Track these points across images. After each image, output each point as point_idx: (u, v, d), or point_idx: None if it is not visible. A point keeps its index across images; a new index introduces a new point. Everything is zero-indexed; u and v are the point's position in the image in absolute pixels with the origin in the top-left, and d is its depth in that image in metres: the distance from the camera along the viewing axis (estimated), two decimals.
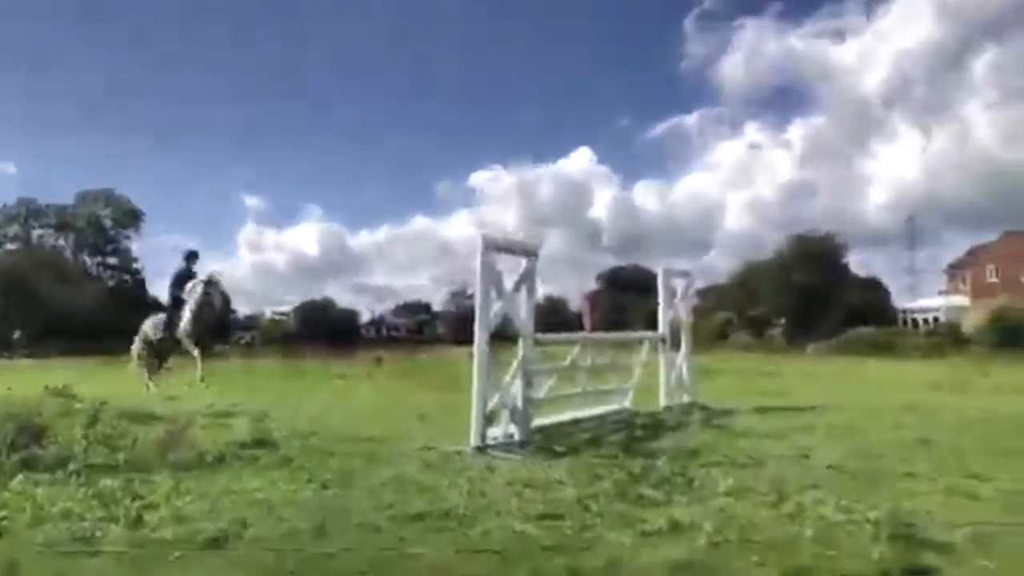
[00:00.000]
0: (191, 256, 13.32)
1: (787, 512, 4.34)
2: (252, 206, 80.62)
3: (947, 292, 60.11)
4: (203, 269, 13.22)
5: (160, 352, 13.40)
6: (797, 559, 3.48)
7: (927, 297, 60.49)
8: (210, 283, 12.59)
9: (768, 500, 4.65)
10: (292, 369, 21.34)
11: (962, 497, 4.74)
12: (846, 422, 8.17)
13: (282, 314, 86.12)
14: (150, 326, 13.62)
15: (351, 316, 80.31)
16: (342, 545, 3.74)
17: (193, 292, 12.49)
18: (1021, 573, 3.28)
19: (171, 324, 12.77)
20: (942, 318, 49.99)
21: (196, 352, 12.40)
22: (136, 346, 13.94)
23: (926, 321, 51.85)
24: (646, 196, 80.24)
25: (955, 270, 61.89)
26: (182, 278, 12.98)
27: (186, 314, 12.54)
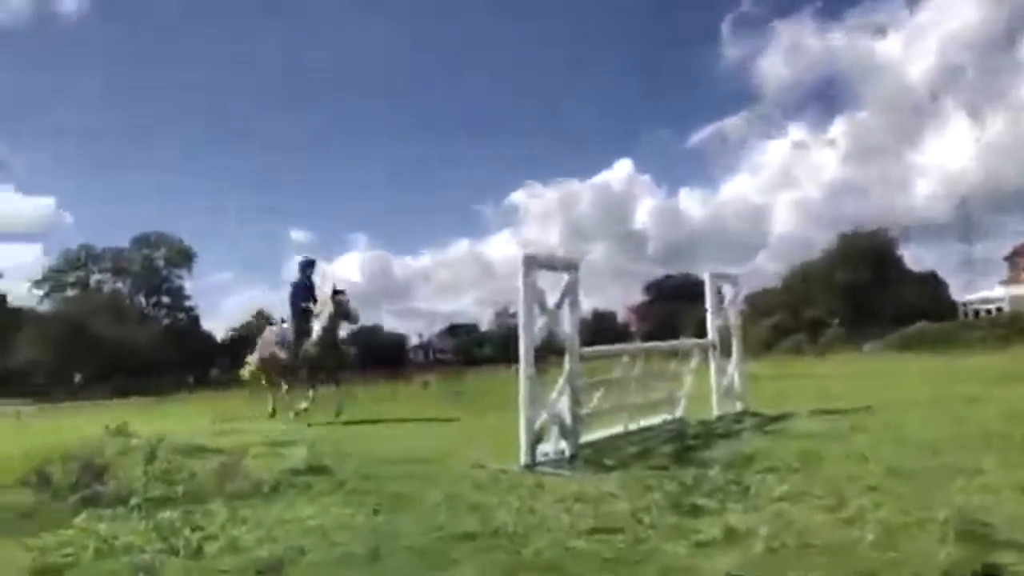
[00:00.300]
0: (308, 265, 12.50)
1: (846, 516, 4.23)
2: (298, 239, 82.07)
3: (1008, 282, 58.24)
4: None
5: (288, 372, 12.34)
6: (858, 563, 3.38)
7: (988, 288, 58.68)
8: (340, 294, 11.69)
9: (826, 504, 4.54)
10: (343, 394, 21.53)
11: None
12: (904, 420, 7.94)
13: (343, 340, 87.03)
14: (274, 341, 12.48)
15: (399, 340, 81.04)
16: (394, 567, 3.76)
17: (324, 307, 11.69)
18: None
19: (299, 341, 11.91)
20: (1005, 308, 48.47)
21: (316, 379, 11.63)
22: (252, 366, 13.04)
23: (988, 312, 50.28)
24: (690, 203, 79.68)
25: (1016, 258, 59.96)
26: (303, 290, 12.19)
27: (315, 331, 11.72)
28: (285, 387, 12.65)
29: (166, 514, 5.10)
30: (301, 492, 5.92)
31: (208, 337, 52.40)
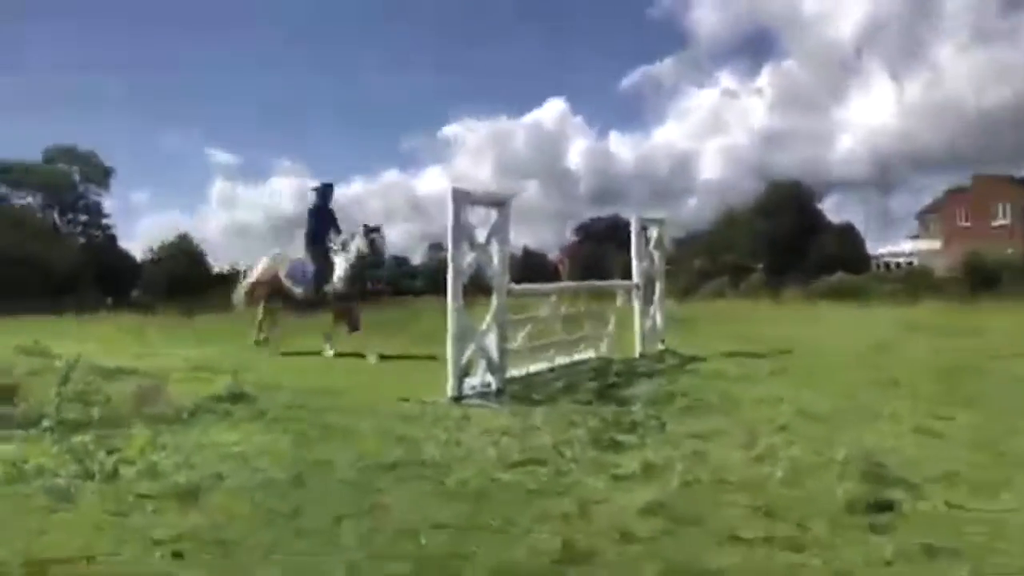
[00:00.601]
0: (326, 190, 11.08)
1: (758, 454, 4.43)
2: (221, 162, 79.05)
3: (920, 237, 60.85)
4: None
5: (298, 307, 11.07)
6: (766, 498, 3.55)
7: (901, 242, 61.18)
8: (375, 231, 10.71)
9: (740, 442, 4.74)
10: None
11: (929, 436, 4.85)
12: (818, 365, 8.30)
13: None
14: (283, 271, 10.91)
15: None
16: (316, 494, 3.77)
17: (353, 241, 10.57)
18: (978, 505, 3.37)
19: (321, 276, 10.56)
20: (915, 263, 50.66)
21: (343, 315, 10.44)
22: (246, 289, 11.47)
23: (899, 266, 52.51)
24: (621, 146, 79.75)
25: (927, 215, 62.55)
26: (322, 217, 10.86)
27: (340, 266, 10.53)
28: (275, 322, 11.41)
29: (81, 437, 4.96)
30: (222, 419, 5.84)
31: (127, 257, 50.40)
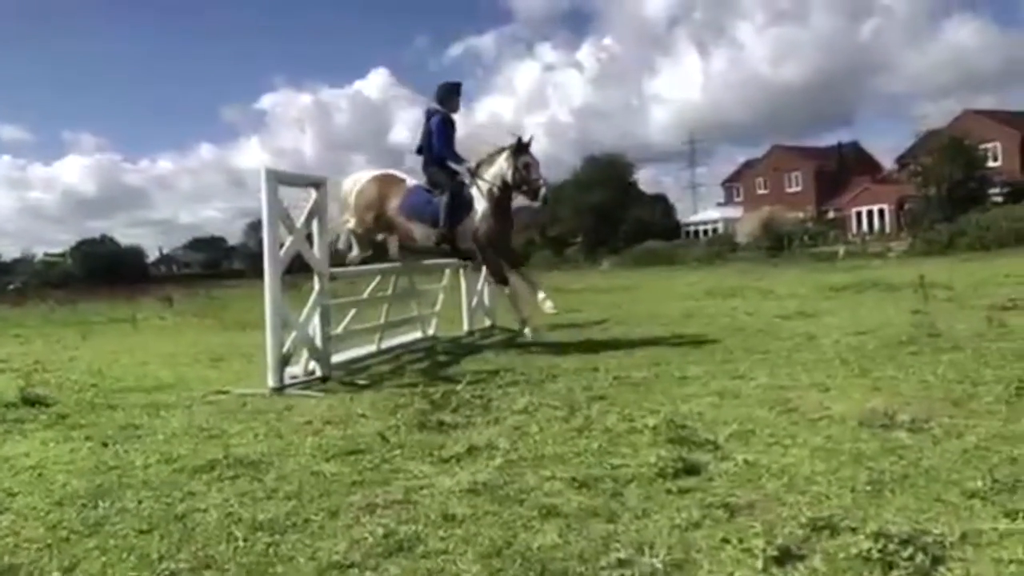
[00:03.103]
0: (453, 91, 8.21)
1: (576, 425, 4.60)
2: (8, 138, 71.20)
3: (724, 205, 65.59)
4: None
5: (420, 255, 8.82)
6: (584, 470, 3.70)
7: (709, 210, 65.61)
8: (525, 151, 7.84)
9: (560, 415, 4.91)
10: (70, 314, 19.59)
11: (729, 397, 5.25)
12: (631, 333, 8.74)
13: (56, 255, 78.56)
14: (388, 194, 8.17)
15: (136, 254, 74.68)
16: (123, 504, 3.52)
17: (491, 164, 7.93)
18: (771, 461, 3.70)
19: (455, 212, 7.87)
20: (720, 229, 54.59)
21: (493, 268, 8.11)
22: (346, 236, 8.63)
23: (706, 232, 56.37)
24: None
25: (730, 184, 67.52)
26: (450, 130, 8.07)
27: (479, 198, 7.93)
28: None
29: None
30: (12, 428, 5.32)
31: None
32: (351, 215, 8.40)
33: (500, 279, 8.16)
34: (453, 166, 8.06)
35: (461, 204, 7.90)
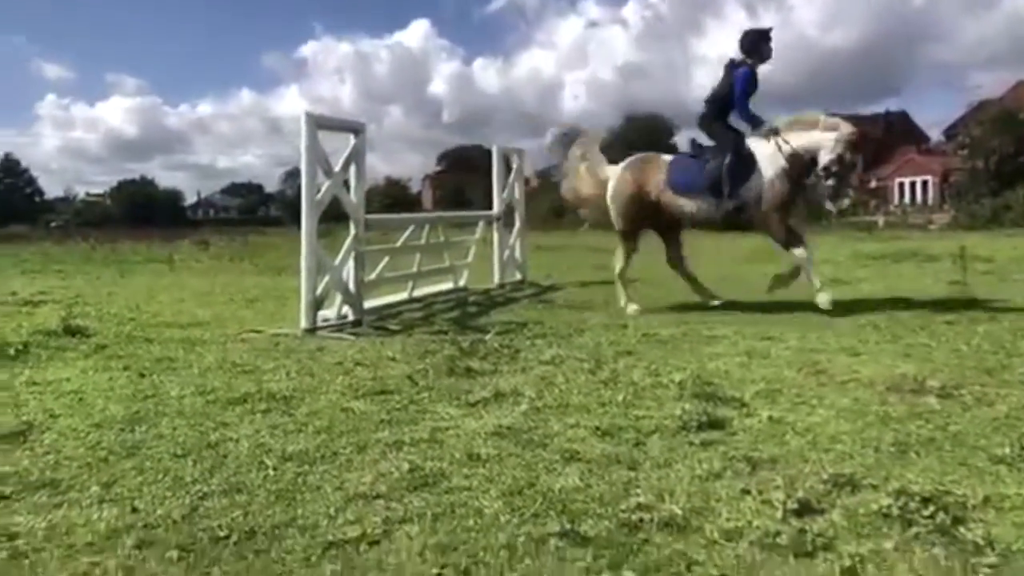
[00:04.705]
0: (763, 38, 7.41)
1: (602, 378, 4.64)
2: (51, 76, 72.06)
3: None
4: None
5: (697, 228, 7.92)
6: (608, 419, 3.74)
7: None
8: (857, 148, 7.21)
9: (586, 367, 4.94)
10: (109, 253, 19.99)
11: (758, 357, 5.23)
12: (662, 293, 8.70)
13: (97, 195, 79.88)
14: (649, 170, 7.65)
15: (174, 196, 75.57)
16: (158, 430, 3.64)
17: (804, 131, 7.09)
18: (796, 419, 3.70)
19: (736, 179, 7.15)
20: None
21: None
22: (624, 221, 7.81)
23: None
24: (486, 73, 78.98)
25: None
26: (748, 85, 7.32)
27: (769, 161, 7.14)
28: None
29: None
30: (55, 355, 5.49)
31: None
32: (616, 215, 7.89)
33: (795, 242, 7.19)
34: (742, 126, 7.40)
35: (743, 166, 7.17)
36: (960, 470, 2.98)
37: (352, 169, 7.07)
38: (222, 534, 2.49)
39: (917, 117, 62.23)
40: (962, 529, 2.44)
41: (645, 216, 7.73)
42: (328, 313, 6.93)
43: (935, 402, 3.95)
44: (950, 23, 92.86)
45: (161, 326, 6.89)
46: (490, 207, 10.59)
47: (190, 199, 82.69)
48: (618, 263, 7.96)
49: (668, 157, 7.84)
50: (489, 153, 11.05)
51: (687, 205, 7.43)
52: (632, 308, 7.53)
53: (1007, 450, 3.13)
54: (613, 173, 7.94)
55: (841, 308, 7.34)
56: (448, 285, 9.56)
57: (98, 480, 3.00)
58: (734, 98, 7.26)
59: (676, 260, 8.19)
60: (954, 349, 5.34)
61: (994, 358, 5.01)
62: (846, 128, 6.99)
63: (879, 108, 61.89)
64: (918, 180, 49.16)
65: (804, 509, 2.60)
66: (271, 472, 3.08)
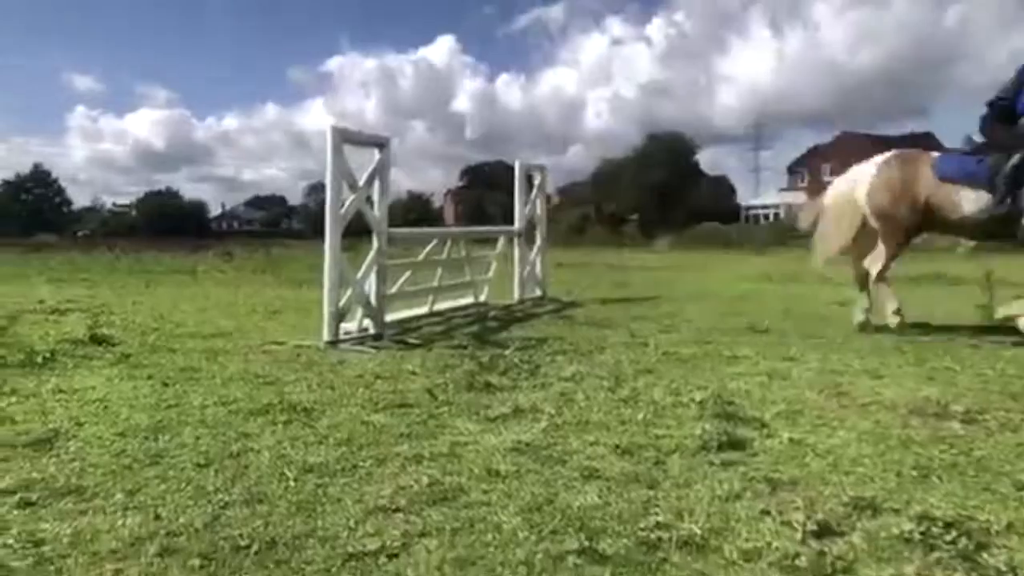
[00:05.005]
0: None
1: (622, 396, 4.63)
2: (81, 87, 73.30)
3: (785, 190, 64.10)
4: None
5: (973, 235, 7.21)
6: (628, 437, 3.74)
7: (768, 195, 64.24)
8: None
9: (606, 385, 4.94)
10: (134, 263, 20.25)
11: (779, 378, 5.20)
12: (683, 311, 8.69)
13: (123, 206, 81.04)
14: (918, 166, 7.02)
15: (199, 208, 76.42)
16: (182, 439, 3.68)
17: None
18: (817, 441, 3.68)
19: (1015, 183, 6.34)
20: (782, 215, 53.47)
21: None
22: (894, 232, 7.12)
23: (766, 217, 55.27)
24: (509, 89, 79.40)
25: (795, 169, 65.92)
26: None
27: None
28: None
29: None
30: (81, 363, 5.58)
31: None
32: (874, 219, 7.28)
33: None
34: None
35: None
36: (983, 495, 2.95)
37: (376, 183, 7.14)
38: (243, 543, 2.52)
39: (944, 139, 61.68)
40: (985, 555, 2.42)
41: (914, 215, 7.02)
42: (350, 326, 6.98)
43: (959, 427, 3.91)
44: (980, 45, 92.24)
45: (184, 336, 6.97)
46: (511, 223, 10.63)
47: (214, 211, 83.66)
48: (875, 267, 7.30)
49: (931, 153, 7.28)
50: (511, 169, 11.11)
51: (963, 198, 6.69)
52: (894, 320, 7.08)
53: None
54: (867, 172, 7.42)
55: (863, 329, 7.27)
56: (469, 300, 9.59)
57: (122, 488, 3.04)
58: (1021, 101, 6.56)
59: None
60: (979, 373, 5.29)
61: (1019, 383, 4.95)
62: None
63: (905, 130, 61.42)
64: None
65: (824, 531, 2.58)
66: (292, 483, 3.10)
